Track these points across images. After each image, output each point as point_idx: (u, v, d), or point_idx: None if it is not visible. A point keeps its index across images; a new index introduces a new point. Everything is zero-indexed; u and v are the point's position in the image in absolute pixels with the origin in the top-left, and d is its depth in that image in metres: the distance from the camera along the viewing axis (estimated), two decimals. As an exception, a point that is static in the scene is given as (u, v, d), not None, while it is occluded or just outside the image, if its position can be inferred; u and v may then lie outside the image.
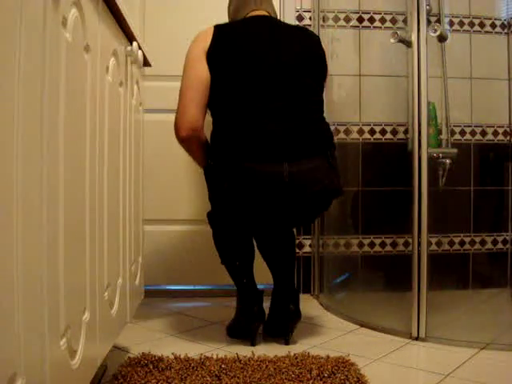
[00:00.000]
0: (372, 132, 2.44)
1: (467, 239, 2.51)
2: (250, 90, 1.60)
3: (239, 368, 1.41)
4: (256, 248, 1.81)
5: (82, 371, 0.91)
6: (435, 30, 2.05)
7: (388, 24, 2.44)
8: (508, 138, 2.51)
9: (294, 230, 1.89)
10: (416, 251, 1.74)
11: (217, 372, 1.38)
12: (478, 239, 2.51)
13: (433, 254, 2.39)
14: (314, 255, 2.42)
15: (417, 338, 1.72)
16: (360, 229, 2.45)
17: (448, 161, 2.32)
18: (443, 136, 2.42)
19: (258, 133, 1.56)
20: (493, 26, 2.48)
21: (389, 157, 2.44)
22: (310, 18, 2.42)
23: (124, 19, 1.22)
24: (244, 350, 1.58)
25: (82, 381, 0.93)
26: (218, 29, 1.67)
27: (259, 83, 1.60)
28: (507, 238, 2.51)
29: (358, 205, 2.44)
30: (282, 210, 1.61)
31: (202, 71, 1.62)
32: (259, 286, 1.78)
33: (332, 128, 1.75)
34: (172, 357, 1.49)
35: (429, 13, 2.29)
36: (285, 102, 1.60)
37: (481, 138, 2.50)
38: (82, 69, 0.93)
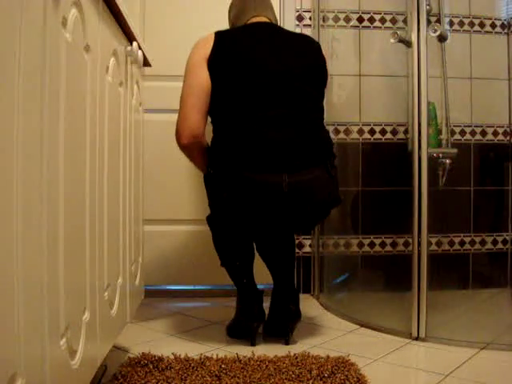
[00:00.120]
0: (372, 132, 2.43)
1: (467, 239, 2.51)
2: (249, 97, 1.59)
3: (239, 368, 1.41)
4: (256, 249, 1.81)
5: (81, 371, 0.91)
6: (435, 30, 2.05)
7: (388, 24, 2.44)
8: (508, 137, 2.51)
9: (294, 230, 1.89)
10: (416, 251, 1.74)
11: (217, 372, 1.38)
12: (478, 239, 2.51)
13: (433, 253, 2.39)
14: (314, 255, 2.42)
15: (417, 338, 1.72)
16: (360, 229, 2.45)
17: (448, 161, 2.32)
18: (443, 136, 2.42)
19: (258, 141, 1.55)
20: (493, 26, 2.48)
21: (389, 157, 2.44)
22: (310, 18, 2.42)
23: (124, 19, 1.22)
24: (244, 350, 1.58)
25: (82, 381, 0.93)
26: (219, 35, 1.66)
27: (259, 91, 1.59)
28: (507, 238, 2.51)
29: (357, 205, 2.44)
30: (281, 220, 1.62)
31: (202, 78, 1.62)
32: (259, 286, 1.79)
33: (332, 128, 1.75)
34: (172, 357, 1.49)
35: (429, 13, 2.29)
36: (285, 110, 1.59)
37: (481, 138, 2.50)
38: (81, 69, 0.93)
